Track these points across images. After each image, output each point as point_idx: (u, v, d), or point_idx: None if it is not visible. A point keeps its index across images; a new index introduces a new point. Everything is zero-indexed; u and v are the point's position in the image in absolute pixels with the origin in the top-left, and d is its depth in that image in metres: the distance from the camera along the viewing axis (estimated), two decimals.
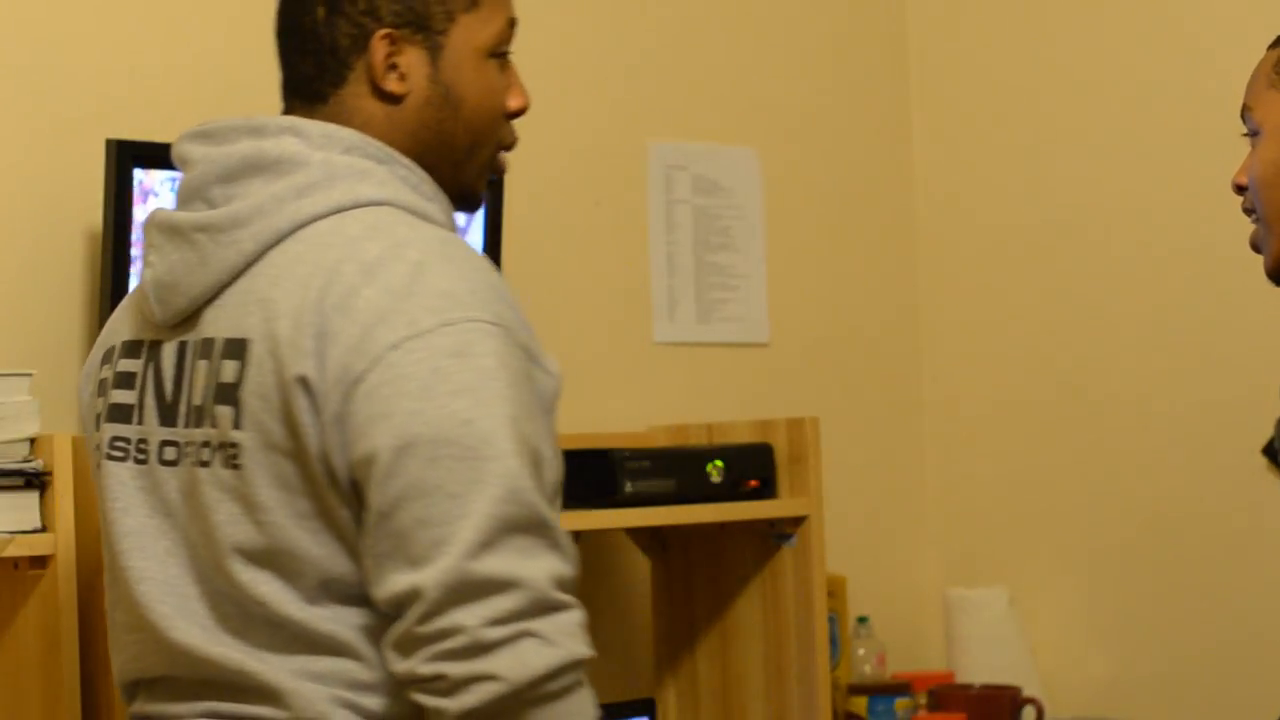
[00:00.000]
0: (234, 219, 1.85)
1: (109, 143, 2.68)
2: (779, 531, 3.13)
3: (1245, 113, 2.10)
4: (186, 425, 1.86)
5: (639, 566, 3.40)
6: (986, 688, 3.55)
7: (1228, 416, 3.47)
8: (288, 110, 1.94)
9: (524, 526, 1.73)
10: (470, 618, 1.70)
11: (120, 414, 1.93)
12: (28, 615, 2.43)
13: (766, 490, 3.12)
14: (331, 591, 1.80)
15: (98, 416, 1.97)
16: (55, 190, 2.58)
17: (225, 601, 1.84)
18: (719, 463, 3.07)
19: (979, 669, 3.65)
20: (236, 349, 1.83)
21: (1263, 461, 3.42)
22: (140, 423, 1.90)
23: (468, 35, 1.92)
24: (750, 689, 3.18)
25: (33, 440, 2.46)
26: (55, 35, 2.85)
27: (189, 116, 2.06)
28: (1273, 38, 2.12)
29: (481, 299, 1.78)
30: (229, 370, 1.83)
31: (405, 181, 1.88)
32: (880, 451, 3.86)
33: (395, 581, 1.73)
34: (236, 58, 2.88)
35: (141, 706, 1.93)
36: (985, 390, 3.86)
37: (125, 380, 1.93)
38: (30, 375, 2.49)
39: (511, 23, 1.97)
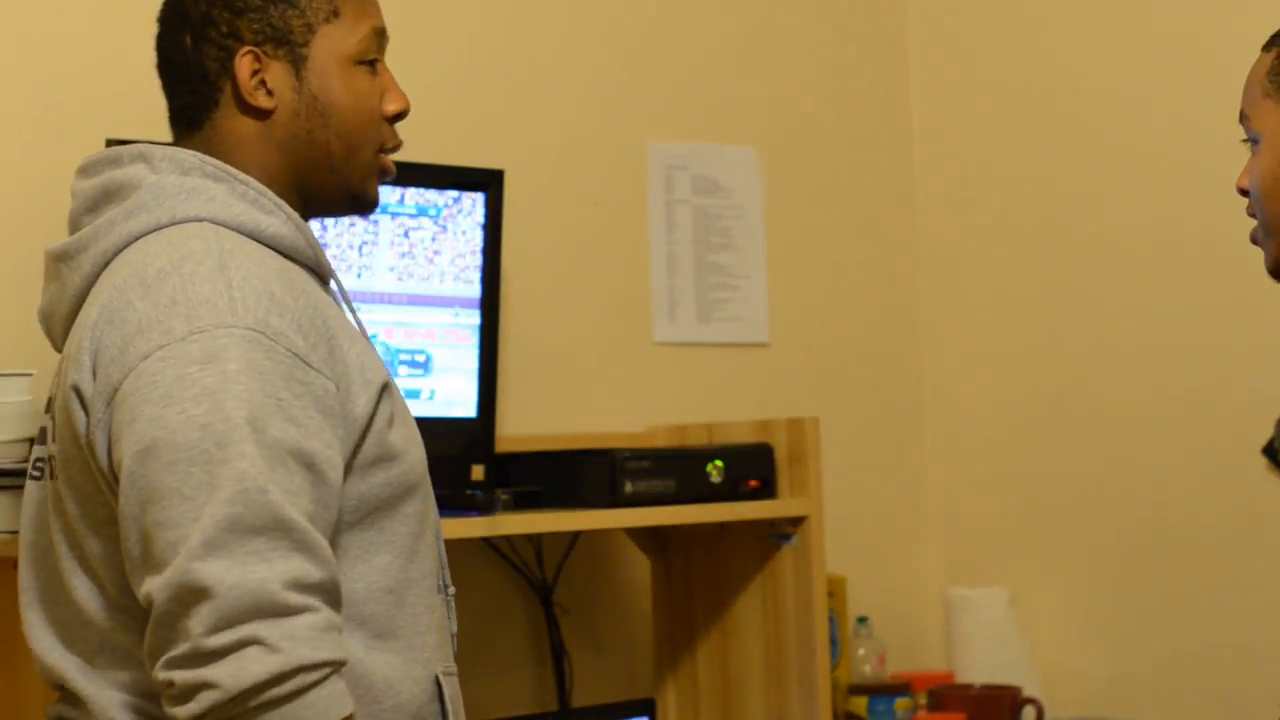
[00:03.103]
0: (78, 244, 1.93)
1: (109, 143, 2.67)
2: (779, 531, 3.13)
3: (1243, 119, 2.09)
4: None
5: (639, 566, 3.39)
6: (986, 688, 3.55)
7: (1227, 416, 3.47)
8: (175, 139, 2.01)
9: (258, 529, 1.70)
10: (194, 624, 1.69)
11: (42, 436, 2.01)
12: None
13: (766, 490, 3.11)
14: (131, 598, 1.82)
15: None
16: (55, 190, 2.56)
17: (63, 611, 1.91)
18: (719, 463, 3.07)
19: (979, 669, 3.64)
20: (59, 366, 1.92)
21: (1263, 461, 3.42)
22: (47, 443, 1.98)
23: (329, 45, 1.98)
24: (750, 689, 3.18)
25: (32, 440, 2.46)
26: (54, 35, 2.85)
27: None
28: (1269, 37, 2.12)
29: (246, 307, 1.80)
30: (51, 386, 1.94)
31: (243, 197, 1.92)
32: (880, 451, 3.86)
33: (141, 586, 1.75)
34: None
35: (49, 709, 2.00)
36: (985, 390, 3.86)
37: (49, 405, 2.01)
38: (30, 375, 2.48)
39: (377, 31, 2.01)
